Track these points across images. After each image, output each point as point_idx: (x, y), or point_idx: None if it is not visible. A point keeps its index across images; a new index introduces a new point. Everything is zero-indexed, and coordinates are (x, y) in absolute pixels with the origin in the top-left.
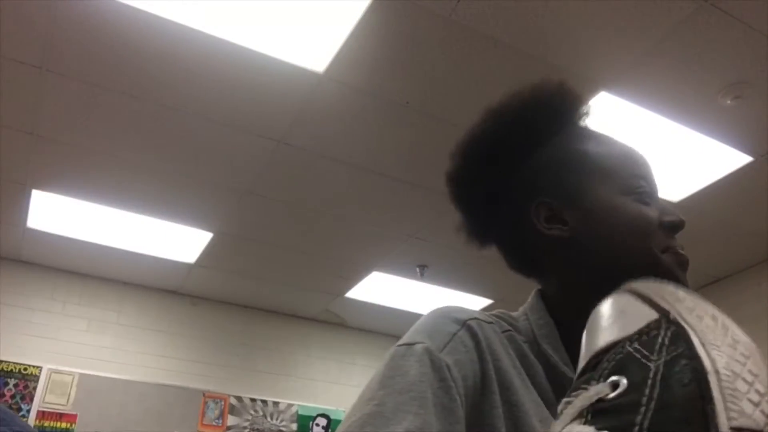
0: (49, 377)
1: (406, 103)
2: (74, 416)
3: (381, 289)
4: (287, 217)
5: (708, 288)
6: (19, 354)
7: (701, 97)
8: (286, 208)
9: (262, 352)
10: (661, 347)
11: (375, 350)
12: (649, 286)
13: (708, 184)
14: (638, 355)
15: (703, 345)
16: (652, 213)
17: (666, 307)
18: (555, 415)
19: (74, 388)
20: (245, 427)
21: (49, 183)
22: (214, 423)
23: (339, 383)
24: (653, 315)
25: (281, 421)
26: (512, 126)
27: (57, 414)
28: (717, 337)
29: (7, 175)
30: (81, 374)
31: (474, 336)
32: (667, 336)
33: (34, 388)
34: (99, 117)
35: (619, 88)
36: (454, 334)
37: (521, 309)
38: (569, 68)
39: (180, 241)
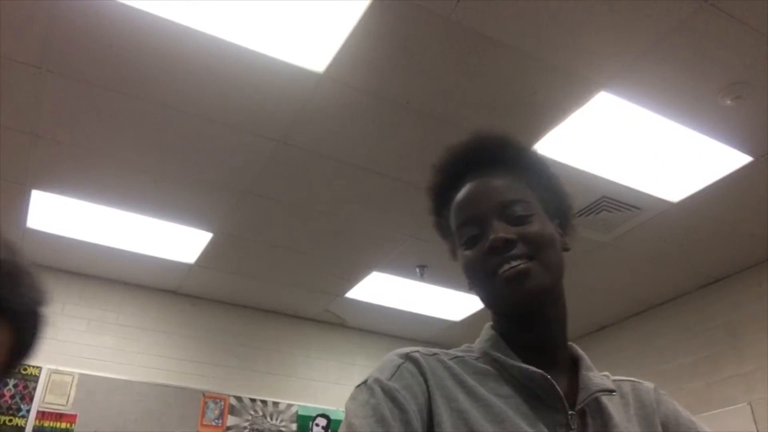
0: (49, 377)
1: (406, 103)
2: (74, 416)
3: (381, 289)
4: (287, 217)
5: (708, 288)
6: None
7: (701, 97)
8: (286, 208)
9: (262, 352)
10: None
11: (375, 350)
12: None
13: (708, 184)
14: None
15: None
16: (474, 253)
17: None
18: (509, 405)
19: (74, 388)
20: (245, 427)
21: (48, 183)
22: (213, 423)
23: (339, 383)
24: None
25: (281, 421)
26: (441, 171)
27: (57, 414)
28: None
29: (7, 175)
30: (81, 374)
31: (416, 363)
32: None
33: (34, 389)
34: (99, 117)
35: (619, 88)
36: (400, 365)
37: (478, 339)
38: (569, 68)
39: (180, 241)
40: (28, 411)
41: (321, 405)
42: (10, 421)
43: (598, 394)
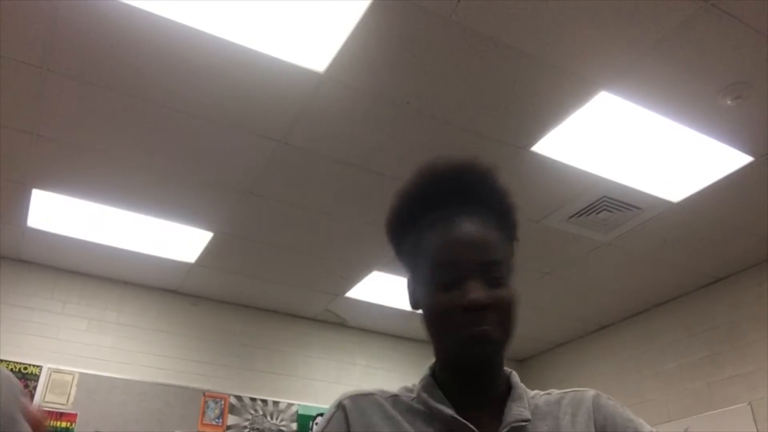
0: (49, 377)
1: (406, 103)
2: (74, 415)
3: (381, 289)
4: (287, 217)
5: (708, 288)
6: (19, 353)
7: (701, 97)
8: (287, 208)
9: (262, 352)
10: None
11: (375, 350)
12: None
13: (708, 184)
14: None
15: None
16: (445, 300)
17: None
18: None
19: (74, 388)
20: (245, 427)
21: (49, 182)
22: (214, 422)
23: (339, 383)
24: None
25: (281, 420)
26: (395, 209)
27: (57, 413)
28: None
29: (8, 174)
30: (81, 374)
31: (342, 409)
32: None
33: (34, 388)
34: (99, 117)
35: (619, 88)
36: (332, 416)
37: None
38: (569, 68)
39: (180, 241)
40: None
41: (321, 404)
42: None
43: (514, 424)
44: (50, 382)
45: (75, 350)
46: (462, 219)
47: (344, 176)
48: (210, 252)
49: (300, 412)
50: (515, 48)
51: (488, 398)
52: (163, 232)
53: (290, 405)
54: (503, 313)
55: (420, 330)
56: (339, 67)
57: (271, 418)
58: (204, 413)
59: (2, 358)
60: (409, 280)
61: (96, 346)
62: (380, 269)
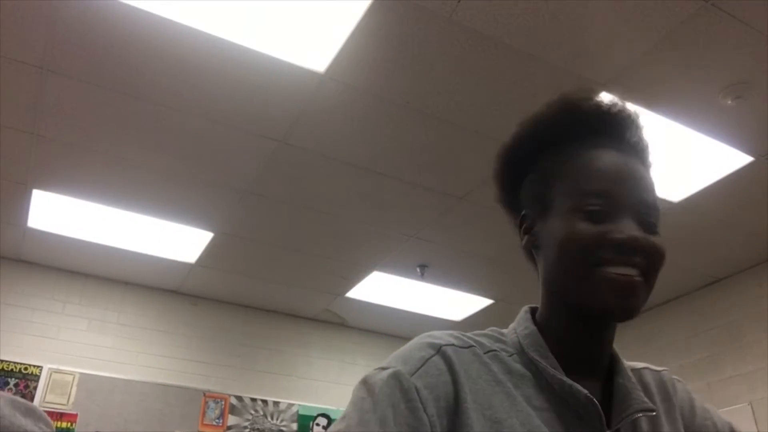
0: (50, 377)
1: (407, 103)
2: (74, 416)
3: (381, 289)
4: (287, 217)
5: (708, 288)
6: (19, 354)
7: (702, 97)
8: (287, 208)
9: (262, 352)
10: None
11: (375, 350)
12: None
13: (708, 184)
14: None
15: None
16: (591, 231)
17: None
18: (544, 419)
19: (74, 388)
20: (246, 427)
21: (49, 182)
22: (214, 423)
23: (339, 383)
24: None
25: (281, 420)
26: (522, 136)
27: (57, 413)
28: None
29: (8, 174)
30: (81, 374)
31: (447, 360)
32: None
33: (35, 388)
34: (99, 117)
35: (619, 88)
36: (428, 359)
37: (512, 324)
38: (569, 68)
39: (180, 241)
40: None
41: (321, 404)
42: None
43: (639, 415)
44: (51, 382)
45: (75, 350)
46: (622, 154)
47: (344, 176)
48: (210, 252)
49: (300, 412)
50: (515, 48)
51: (597, 368)
52: (164, 232)
53: (290, 405)
54: (654, 265)
55: (420, 330)
56: (339, 67)
57: (272, 419)
58: (204, 413)
59: (2, 358)
60: (527, 213)
61: (96, 346)
62: (380, 269)
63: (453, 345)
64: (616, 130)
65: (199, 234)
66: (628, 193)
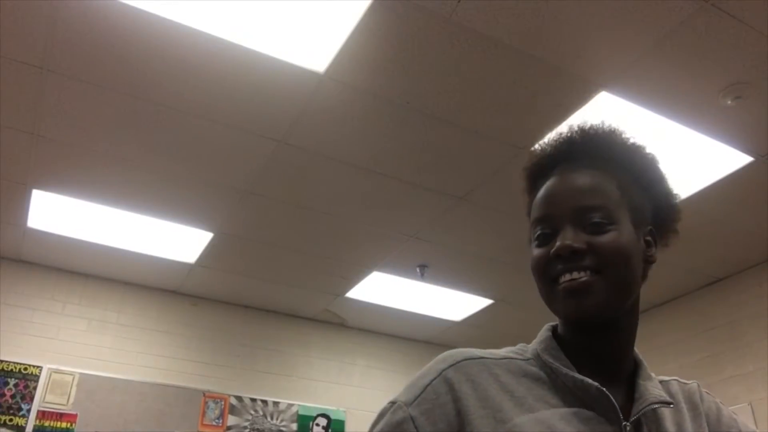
0: (50, 377)
1: (406, 103)
2: (74, 416)
3: (381, 289)
4: (287, 217)
5: (708, 288)
6: (19, 354)
7: (701, 97)
8: (287, 208)
9: (262, 352)
10: None
11: (375, 350)
12: None
13: (708, 184)
14: None
15: None
16: (541, 253)
17: None
18: (559, 416)
19: (74, 388)
20: (245, 427)
21: (49, 183)
22: (214, 423)
23: (339, 383)
24: None
25: (281, 421)
26: (536, 155)
27: (57, 414)
28: None
29: (8, 174)
30: (81, 374)
31: (448, 381)
32: None
33: (35, 388)
34: (99, 117)
35: (619, 88)
36: (427, 386)
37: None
38: (569, 68)
39: (180, 241)
40: (29, 410)
41: (321, 405)
42: (11, 420)
43: (655, 405)
44: (50, 382)
45: (75, 351)
46: (564, 174)
47: (344, 176)
48: (210, 252)
49: (300, 412)
50: (515, 48)
51: (619, 369)
52: (163, 232)
53: (290, 405)
54: (604, 260)
55: (420, 330)
56: (339, 67)
57: (272, 419)
58: (204, 414)
59: (2, 358)
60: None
61: (96, 346)
62: (380, 269)
63: (462, 361)
64: (583, 151)
65: (198, 234)
66: (563, 207)
